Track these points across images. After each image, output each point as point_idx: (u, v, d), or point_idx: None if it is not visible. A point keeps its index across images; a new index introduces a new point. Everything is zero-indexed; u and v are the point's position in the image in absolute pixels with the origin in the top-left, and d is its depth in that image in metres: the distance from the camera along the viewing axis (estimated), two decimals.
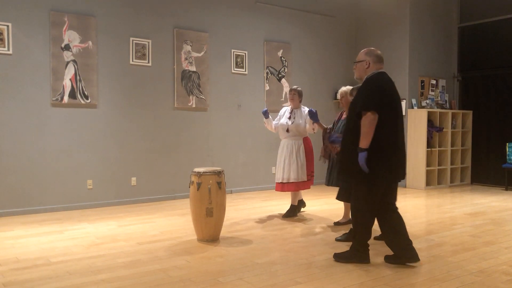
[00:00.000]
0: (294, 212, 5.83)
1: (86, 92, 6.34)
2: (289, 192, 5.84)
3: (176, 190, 7.12)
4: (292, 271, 3.67)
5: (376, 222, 3.84)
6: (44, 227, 5.23)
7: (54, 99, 6.11)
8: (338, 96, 5.23)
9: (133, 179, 6.77)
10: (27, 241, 4.60)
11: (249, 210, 6.28)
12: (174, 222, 5.51)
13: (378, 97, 3.60)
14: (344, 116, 5.05)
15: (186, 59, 7.22)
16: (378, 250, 4.14)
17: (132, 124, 6.77)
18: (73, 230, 5.06)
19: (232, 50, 7.75)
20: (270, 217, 5.77)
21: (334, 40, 9.08)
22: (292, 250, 4.27)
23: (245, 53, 7.88)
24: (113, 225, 5.35)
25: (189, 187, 4.61)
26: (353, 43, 9.34)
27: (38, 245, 4.43)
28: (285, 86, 8.35)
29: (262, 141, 8.05)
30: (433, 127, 8.43)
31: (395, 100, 3.73)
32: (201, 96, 7.38)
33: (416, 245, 3.91)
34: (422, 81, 8.73)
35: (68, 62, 6.21)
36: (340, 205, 5.74)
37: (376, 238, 4.48)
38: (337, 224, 5.29)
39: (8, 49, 5.80)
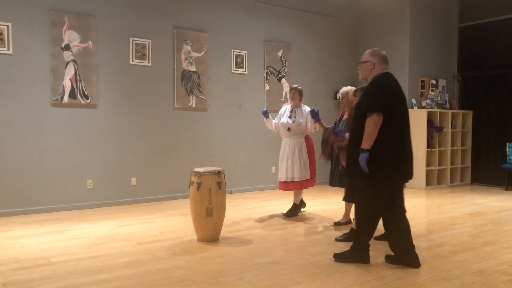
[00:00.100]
0: (296, 211, 5.84)
1: (86, 92, 6.34)
2: (290, 192, 5.85)
3: (176, 190, 7.12)
4: (292, 271, 3.66)
5: (380, 221, 3.83)
6: (44, 227, 5.23)
7: (54, 99, 6.11)
8: (339, 96, 5.22)
9: (133, 179, 6.77)
10: (27, 241, 4.60)
11: (249, 210, 6.28)
12: (174, 222, 5.51)
13: (384, 99, 3.59)
14: (345, 116, 5.05)
15: (186, 59, 7.22)
16: (378, 250, 4.14)
17: (132, 124, 6.77)
18: (73, 230, 5.07)
19: (232, 50, 7.75)
20: (270, 217, 5.77)
21: (334, 40, 9.08)
22: (292, 250, 4.27)
23: (245, 53, 7.87)
24: (113, 225, 5.35)
25: (189, 187, 4.61)
26: (353, 43, 9.34)
27: (38, 245, 4.43)
28: (285, 86, 8.34)
29: (262, 141, 8.05)
30: (433, 127, 8.42)
31: (402, 100, 3.72)
32: (201, 96, 7.38)
33: (416, 245, 3.90)
34: (422, 81, 8.73)
35: (68, 62, 6.21)
36: (341, 205, 5.74)
37: (376, 238, 4.47)
38: (337, 224, 5.28)
39: (8, 49, 5.80)
